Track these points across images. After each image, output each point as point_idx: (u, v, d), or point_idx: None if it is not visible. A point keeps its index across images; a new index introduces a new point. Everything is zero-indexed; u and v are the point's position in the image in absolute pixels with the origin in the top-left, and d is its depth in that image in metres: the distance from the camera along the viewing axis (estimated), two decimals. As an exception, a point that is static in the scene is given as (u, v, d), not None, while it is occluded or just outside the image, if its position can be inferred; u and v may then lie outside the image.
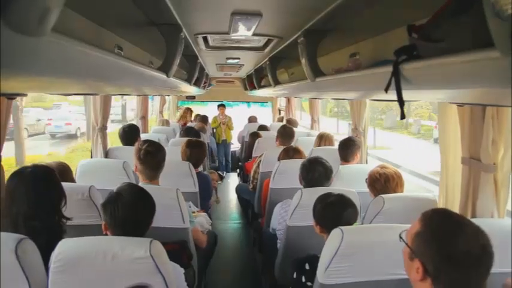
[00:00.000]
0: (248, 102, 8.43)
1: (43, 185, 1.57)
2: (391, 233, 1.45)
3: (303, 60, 2.10)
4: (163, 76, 2.03)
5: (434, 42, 0.95)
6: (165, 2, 1.53)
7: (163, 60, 2.11)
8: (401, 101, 1.13)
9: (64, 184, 1.72)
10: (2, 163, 1.81)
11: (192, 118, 7.16)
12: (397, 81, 1.09)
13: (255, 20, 1.93)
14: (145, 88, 2.59)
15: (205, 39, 2.66)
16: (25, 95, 1.41)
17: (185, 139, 3.30)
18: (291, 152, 3.02)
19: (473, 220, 1.67)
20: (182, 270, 1.67)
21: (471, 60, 0.77)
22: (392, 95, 1.14)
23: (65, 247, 1.32)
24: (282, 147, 3.25)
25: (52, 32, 0.61)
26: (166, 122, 6.40)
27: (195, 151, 3.00)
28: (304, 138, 4.34)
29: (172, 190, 2.04)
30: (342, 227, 1.47)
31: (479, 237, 1.00)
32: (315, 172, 2.29)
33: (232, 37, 2.47)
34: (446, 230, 1.03)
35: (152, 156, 2.19)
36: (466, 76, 0.85)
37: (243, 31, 2.24)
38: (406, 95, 1.11)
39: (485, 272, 1.00)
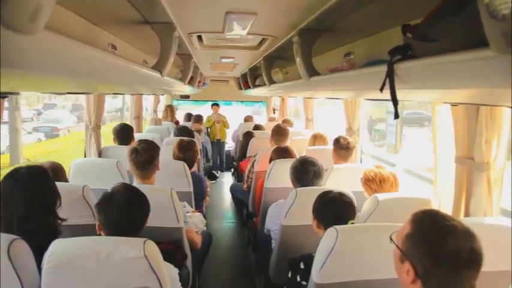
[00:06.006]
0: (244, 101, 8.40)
1: (38, 185, 1.55)
2: (386, 233, 1.44)
3: (298, 60, 2.10)
4: (158, 75, 2.02)
5: (429, 42, 0.95)
6: (159, 0, 1.52)
7: (157, 59, 2.10)
8: (395, 101, 1.13)
9: (57, 184, 1.70)
10: None
11: (181, 116, 7.12)
12: (391, 81, 1.09)
13: (250, 19, 1.93)
14: (140, 87, 2.57)
15: (199, 38, 2.65)
16: (17, 93, 1.39)
17: (178, 138, 3.29)
18: (281, 152, 3.02)
19: (467, 219, 1.70)
20: (176, 271, 1.66)
21: (465, 60, 0.77)
22: (386, 94, 1.14)
23: (57, 247, 1.30)
24: (275, 147, 3.24)
25: (45, 29, 0.60)
26: (159, 121, 6.36)
27: (186, 155, 2.98)
28: (298, 138, 4.34)
29: (166, 190, 2.03)
30: (337, 226, 1.47)
31: (469, 238, 1.00)
32: (310, 172, 2.30)
33: (227, 36, 2.46)
34: (436, 232, 1.03)
35: (137, 155, 2.20)
36: (460, 76, 0.85)
37: (238, 30, 2.23)
38: (401, 94, 1.12)
39: (475, 272, 1.00)
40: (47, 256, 1.29)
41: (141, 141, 2.29)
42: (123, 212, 1.51)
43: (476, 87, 0.90)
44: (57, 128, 17.36)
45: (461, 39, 0.80)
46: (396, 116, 1.16)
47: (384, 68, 1.11)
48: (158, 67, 2.04)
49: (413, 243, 1.05)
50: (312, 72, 2.07)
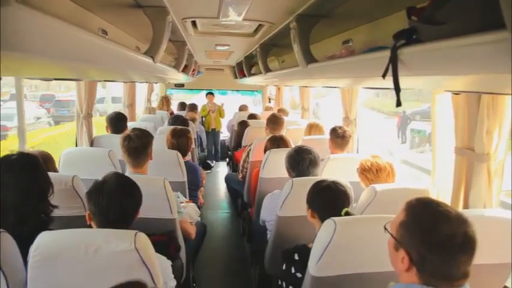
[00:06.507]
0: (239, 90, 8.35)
1: (32, 172, 1.54)
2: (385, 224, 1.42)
3: (295, 46, 2.05)
4: (150, 61, 1.95)
5: (436, 25, 0.90)
6: None
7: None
8: (397, 88, 1.08)
9: None
10: None
11: (175, 107, 7.05)
12: (394, 67, 1.04)
13: (246, 3, 1.87)
14: (131, 73, 2.50)
15: (193, 24, 2.57)
16: None
17: (173, 127, 3.24)
18: (276, 141, 2.98)
19: (466, 211, 1.67)
20: (169, 263, 1.62)
21: (477, 43, 0.72)
22: (386, 82, 1.09)
23: (44, 240, 1.25)
24: (270, 136, 3.20)
25: (17, 2, 0.54)
26: (152, 110, 6.29)
27: (180, 141, 2.94)
28: (293, 127, 4.30)
29: (159, 180, 1.98)
30: (335, 218, 1.43)
31: (462, 223, 1.01)
32: (305, 160, 2.26)
33: (222, 22, 2.40)
34: (429, 218, 1.04)
35: (130, 141, 2.16)
36: (471, 60, 0.80)
37: (233, 16, 2.17)
38: (403, 81, 1.07)
39: (469, 257, 1.01)
40: (33, 249, 1.24)
41: (134, 129, 2.26)
42: (114, 200, 1.47)
43: (488, 73, 0.84)
44: (7, 127, 13.33)
45: (472, 21, 0.74)
46: (398, 103, 1.12)
47: (385, 54, 1.06)
48: (150, 53, 1.98)
49: (407, 230, 1.06)
50: (310, 59, 2.01)
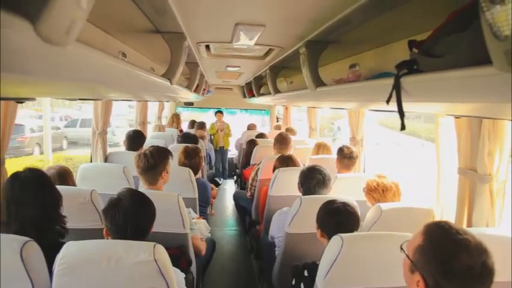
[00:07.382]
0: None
1: (45, 186, 1.59)
2: (390, 241, 1.48)
3: (304, 70, 2.14)
4: (167, 83, 2.06)
5: (434, 58, 0.99)
6: (172, 11, 1.57)
7: (164, 66, 2.15)
8: (401, 113, 1.16)
9: (66, 187, 1.72)
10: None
11: (186, 125, 7.17)
12: (397, 94, 1.13)
13: (258, 30, 1.97)
14: (149, 94, 2.62)
15: (207, 47, 2.69)
16: (34, 99, 1.43)
17: (183, 145, 3.33)
18: (285, 161, 3.05)
19: (469, 229, 1.72)
20: (183, 275, 1.69)
21: (469, 76, 0.81)
22: (391, 106, 1.17)
23: (69, 250, 1.33)
24: (279, 155, 3.27)
25: (76, 41, 0.64)
26: (162, 128, 6.41)
27: (192, 162, 3.02)
28: (301, 147, 4.37)
29: (173, 196, 2.06)
30: (342, 234, 1.49)
31: (482, 253, 0.99)
32: (314, 179, 2.33)
33: (234, 46, 2.50)
34: (449, 245, 1.02)
35: (139, 160, 2.23)
36: (464, 90, 0.89)
37: (245, 40, 2.27)
38: (406, 106, 1.15)
39: None
40: (59, 258, 1.32)
41: (151, 147, 2.32)
42: (129, 218, 1.54)
43: (478, 102, 0.93)
44: None
45: (465, 56, 0.83)
46: (403, 127, 1.19)
47: (390, 81, 1.15)
48: (168, 75, 2.09)
49: (424, 256, 1.05)
50: (318, 82, 2.10)
